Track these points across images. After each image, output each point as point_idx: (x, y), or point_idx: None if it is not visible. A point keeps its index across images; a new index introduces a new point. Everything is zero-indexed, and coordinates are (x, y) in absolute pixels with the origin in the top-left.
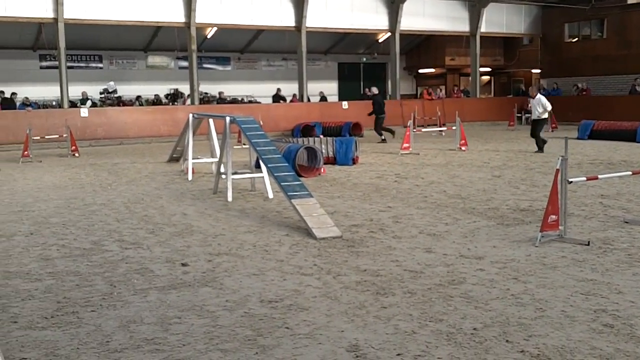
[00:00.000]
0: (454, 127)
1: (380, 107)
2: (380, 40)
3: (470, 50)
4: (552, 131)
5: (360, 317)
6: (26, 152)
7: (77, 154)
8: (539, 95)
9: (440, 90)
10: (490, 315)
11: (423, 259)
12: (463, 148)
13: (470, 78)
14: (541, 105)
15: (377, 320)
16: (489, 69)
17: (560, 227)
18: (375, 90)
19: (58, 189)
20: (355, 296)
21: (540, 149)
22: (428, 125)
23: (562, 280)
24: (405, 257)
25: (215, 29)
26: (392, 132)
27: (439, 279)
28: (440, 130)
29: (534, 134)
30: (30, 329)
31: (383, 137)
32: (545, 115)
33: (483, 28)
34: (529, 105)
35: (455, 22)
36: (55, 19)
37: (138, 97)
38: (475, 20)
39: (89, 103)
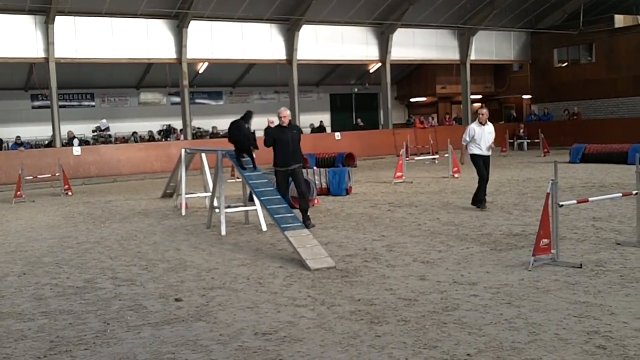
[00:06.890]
0: (446, 155)
1: None
2: (371, 71)
3: (460, 78)
4: (544, 156)
5: (354, 346)
6: (19, 192)
7: (70, 193)
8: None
9: (432, 118)
10: (483, 340)
11: (417, 286)
12: (456, 175)
13: (461, 105)
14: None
15: (371, 349)
16: (480, 96)
17: (552, 251)
18: None
19: (51, 228)
20: (349, 326)
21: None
22: (421, 154)
23: (555, 304)
24: (399, 285)
25: (206, 64)
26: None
27: (433, 306)
28: (433, 159)
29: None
30: None
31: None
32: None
33: (473, 56)
34: (521, 131)
35: (445, 50)
36: (47, 59)
37: (134, 133)
38: (465, 48)
39: (76, 142)
